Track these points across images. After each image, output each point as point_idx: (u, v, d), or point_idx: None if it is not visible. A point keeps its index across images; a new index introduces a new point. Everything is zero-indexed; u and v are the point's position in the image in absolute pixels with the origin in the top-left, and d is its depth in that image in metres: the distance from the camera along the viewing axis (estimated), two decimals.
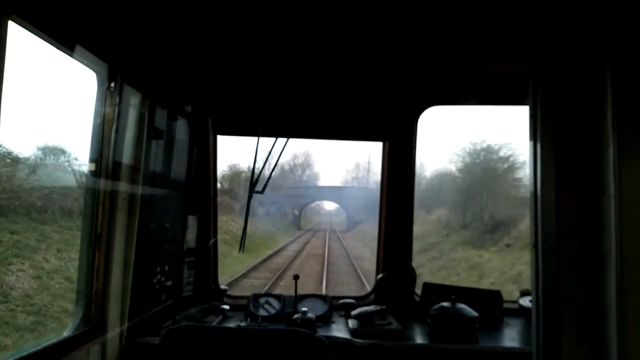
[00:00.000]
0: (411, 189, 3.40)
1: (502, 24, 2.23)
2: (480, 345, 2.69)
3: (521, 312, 3.17)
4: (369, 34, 2.47)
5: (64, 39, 2.05)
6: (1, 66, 1.44)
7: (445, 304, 2.87)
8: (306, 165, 41.12)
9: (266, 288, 13.48)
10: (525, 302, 3.16)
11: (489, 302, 3.15)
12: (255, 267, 16.65)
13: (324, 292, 14.29)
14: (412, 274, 3.32)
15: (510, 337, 2.92)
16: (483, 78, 3.11)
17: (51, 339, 2.15)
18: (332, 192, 38.32)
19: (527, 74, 1.89)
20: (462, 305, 2.85)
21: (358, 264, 18.60)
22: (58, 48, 2.08)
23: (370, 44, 2.60)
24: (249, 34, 2.55)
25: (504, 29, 2.30)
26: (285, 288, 14.38)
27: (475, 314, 2.81)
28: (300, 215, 35.97)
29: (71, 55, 2.19)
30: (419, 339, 2.81)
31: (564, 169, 1.72)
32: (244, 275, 15.06)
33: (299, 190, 36.08)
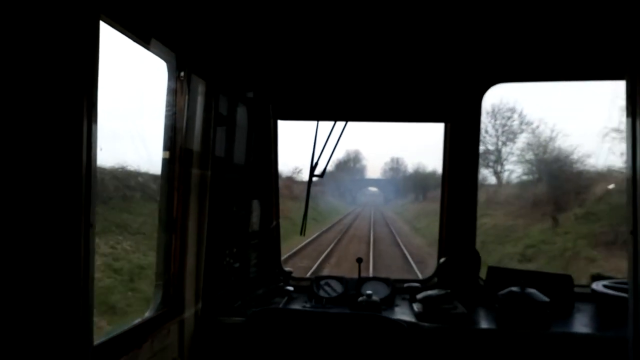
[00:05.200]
0: (475, 171, 3.31)
1: None
2: (554, 331, 2.63)
3: (593, 297, 3.05)
4: (428, 5, 2.36)
5: (140, 31, 2.13)
6: (96, 64, 1.50)
7: (514, 288, 2.80)
8: (356, 160, 63.44)
9: (348, 224, 30.17)
10: (599, 286, 3.04)
11: (559, 286, 3.06)
12: (345, 216, 37.31)
13: (372, 230, 25.75)
14: (476, 259, 3.26)
15: (583, 322, 2.83)
16: (557, 51, 2.87)
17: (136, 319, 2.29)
18: (374, 182, 65.66)
19: (619, 43, 1.76)
20: (532, 290, 2.78)
21: (386, 217, 39.30)
22: (132, 39, 2.15)
23: (430, 16, 2.48)
24: (305, 19, 2.53)
25: None
26: (358, 227, 28.24)
27: (546, 299, 2.73)
28: (355, 196, 59.91)
29: (145, 47, 2.26)
30: (487, 324, 2.77)
31: None
32: (344, 217, 36.14)
33: (355, 181, 59.63)
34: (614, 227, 11.98)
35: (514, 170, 20.46)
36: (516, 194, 17.23)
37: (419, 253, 16.31)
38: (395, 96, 3.26)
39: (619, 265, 10.46)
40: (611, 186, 13.87)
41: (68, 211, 1.39)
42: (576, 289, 3.13)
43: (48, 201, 1.37)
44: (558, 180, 16.25)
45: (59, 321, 1.39)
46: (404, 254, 16.12)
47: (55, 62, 1.39)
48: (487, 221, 16.19)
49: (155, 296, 2.50)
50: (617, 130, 14.54)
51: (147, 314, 2.41)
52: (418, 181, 44.45)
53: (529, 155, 19.55)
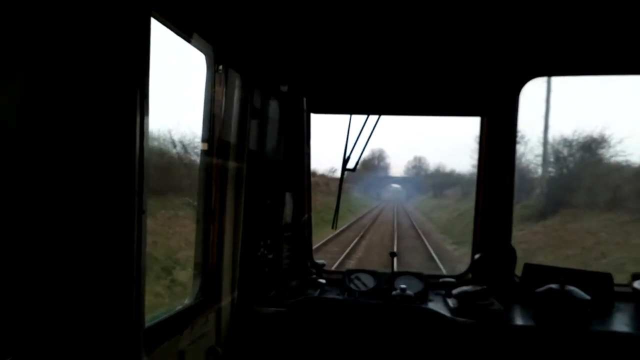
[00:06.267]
0: (512, 166, 3.25)
1: None
2: (594, 329, 2.57)
3: (634, 297, 2.97)
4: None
5: (184, 26, 2.17)
6: (147, 59, 1.53)
7: (553, 285, 2.75)
8: (380, 159, 65.76)
9: (376, 214, 35.54)
10: None
11: (599, 284, 2.99)
12: (369, 211, 37.62)
13: (395, 218, 33.08)
14: (512, 255, 3.20)
15: (623, 321, 2.75)
16: (597, 44, 2.76)
17: (177, 307, 2.34)
18: (397, 179, 71.18)
19: None
20: (572, 288, 2.72)
21: (407, 210, 42.90)
22: (177, 34, 2.19)
23: (468, 8, 2.42)
24: (341, 12, 2.52)
25: None
26: (385, 216, 35.04)
27: (587, 296, 2.67)
28: (379, 192, 63.29)
29: (188, 40, 2.29)
30: (524, 321, 2.73)
31: None
32: (372, 209, 39.40)
33: (379, 178, 63.93)
34: (535, 211, 18.88)
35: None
36: None
37: (428, 232, 24.51)
38: (431, 89, 3.21)
39: (518, 226, 16.64)
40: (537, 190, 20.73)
41: (122, 199, 1.43)
42: (616, 288, 3.04)
43: (104, 189, 1.42)
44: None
45: (113, 304, 1.43)
46: (417, 232, 24.11)
47: (110, 58, 1.44)
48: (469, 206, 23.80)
49: (194, 285, 2.55)
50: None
51: (186, 302, 2.46)
52: (437, 180, 51.23)
53: None
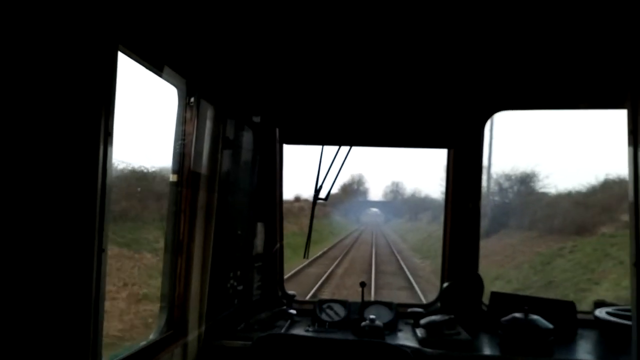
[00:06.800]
0: (477, 197, 3.35)
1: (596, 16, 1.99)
2: (558, 358, 2.62)
3: (596, 324, 3.05)
4: (433, 33, 2.40)
5: (154, 59, 2.19)
6: (113, 93, 1.55)
7: (517, 314, 2.81)
8: (360, 184, 68.40)
9: (356, 237, 41.77)
10: (602, 313, 3.04)
11: (562, 313, 3.06)
12: (349, 234, 42.56)
13: (373, 239, 39.56)
14: (479, 284, 3.27)
15: (586, 349, 2.82)
16: (560, 79, 2.87)
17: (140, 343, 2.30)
18: (376, 204, 74.61)
19: (622, 74, 1.79)
20: (536, 317, 2.78)
21: (384, 232, 48.00)
22: (146, 67, 2.22)
23: (435, 44, 2.50)
24: (313, 46, 2.59)
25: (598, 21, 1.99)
26: (364, 238, 41.53)
27: (550, 325, 2.73)
28: (359, 217, 66.31)
29: (158, 74, 2.32)
30: (490, 350, 2.77)
31: None
32: (352, 232, 44.89)
33: (358, 202, 66.55)
34: (482, 232, 22.18)
35: None
36: None
37: (400, 250, 30.33)
38: (400, 122, 3.30)
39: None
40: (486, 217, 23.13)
41: (81, 236, 1.42)
42: (579, 316, 3.12)
43: (62, 226, 1.41)
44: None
45: (69, 345, 1.41)
46: (392, 250, 30.26)
47: (74, 91, 1.44)
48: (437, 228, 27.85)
49: (160, 318, 2.51)
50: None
51: (152, 337, 2.42)
52: (412, 204, 56.75)
53: None
